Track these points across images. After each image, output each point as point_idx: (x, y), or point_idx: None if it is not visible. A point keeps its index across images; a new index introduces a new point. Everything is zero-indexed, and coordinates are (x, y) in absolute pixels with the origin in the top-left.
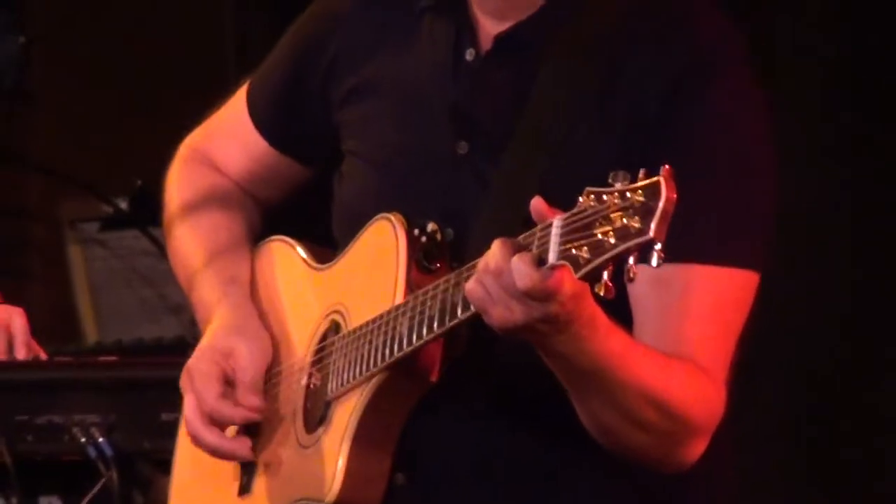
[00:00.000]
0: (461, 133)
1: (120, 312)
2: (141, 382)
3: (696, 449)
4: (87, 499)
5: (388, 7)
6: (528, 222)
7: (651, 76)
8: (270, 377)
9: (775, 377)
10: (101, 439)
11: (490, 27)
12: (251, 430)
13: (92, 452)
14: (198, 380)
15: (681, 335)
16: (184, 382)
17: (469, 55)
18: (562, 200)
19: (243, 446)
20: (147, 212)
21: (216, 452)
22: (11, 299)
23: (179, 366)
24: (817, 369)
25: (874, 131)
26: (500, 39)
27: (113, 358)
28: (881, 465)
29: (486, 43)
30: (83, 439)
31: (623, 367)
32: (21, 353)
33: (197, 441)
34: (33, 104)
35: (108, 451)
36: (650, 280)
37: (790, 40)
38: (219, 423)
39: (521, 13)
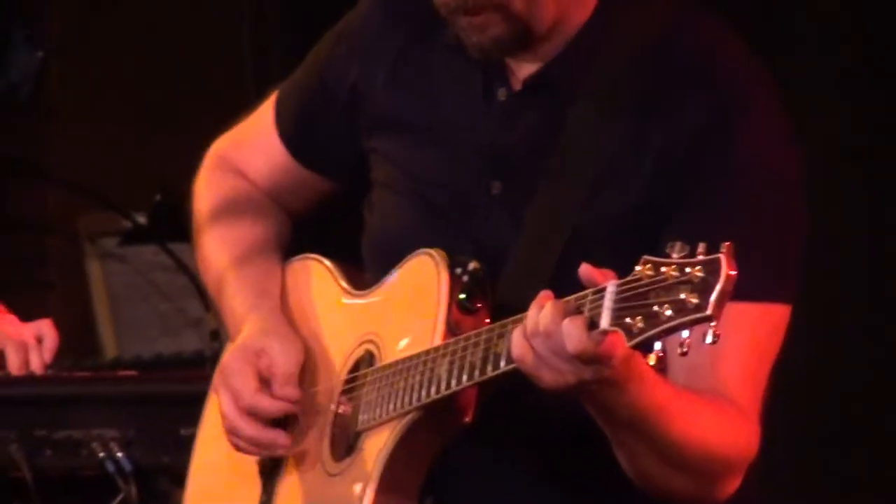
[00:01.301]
0: (495, 172)
1: (139, 327)
2: (160, 397)
3: (732, 485)
4: None
5: (408, 34)
6: (559, 263)
7: (678, 118)
8: (301, 393)
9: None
10: (119, 454)
11: (518, 68)
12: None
13: (110, 467)
14: (233, 377)
15: (717, 373)
16: (217, 381)
17: (501, 95)
18: (594, 242)
19: (281, 436)
20: (166, 227)
21: (256, 443)
22: (31, 313)
23: (198, 380)
24: (834, 392)
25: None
26: (529, 80)
27: (132, 372)
28: None
29: (516, 82)
30: (102, 454)
31: (667, 416)
32: (47, 359)
33: (236, 435)
34: (53, 118)
35: (127, 466)
36: (694, 345)
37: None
38: (256, 417)
39: (547, 55)
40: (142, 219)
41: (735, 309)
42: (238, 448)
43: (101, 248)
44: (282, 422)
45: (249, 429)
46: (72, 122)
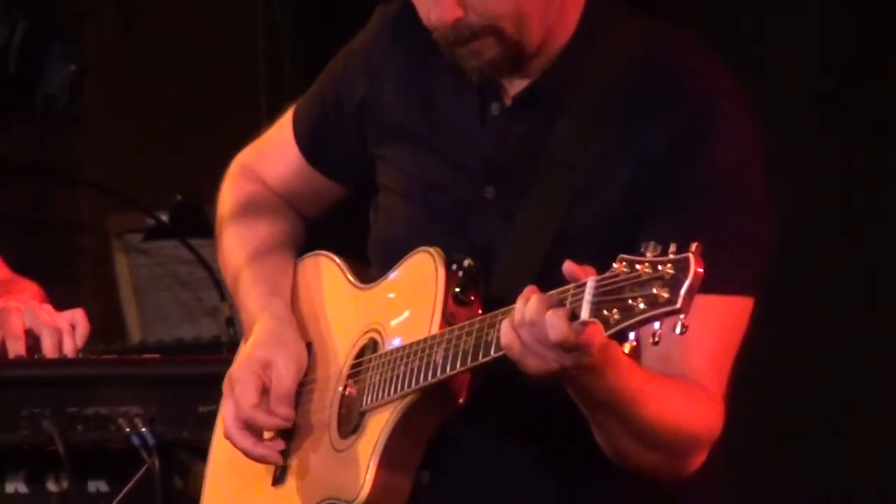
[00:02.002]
0: (489, 179)
1: (161, 314)
2: (180, 378)
3: (699, 460)
4: (130, 484)
5: (413, 50)
6: (545, 260)
7: (655, 130)
8: (309, 382)
9: (754, 379)
10: (143, 429)
11: (509, 85)
12: (288, 429)
13: (135, 441)
14: (237, 388)
15: (686, 358)
16: (226, 388)
17: (495, 110)
18: (576, 241)
19: (273, 452)
20: (186, 224)
21: (249, 455)
22: (65, 302)
23: (215, 363)
24: (797, 371)
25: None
26: (518, 97)
27: (155, 356)
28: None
29: (507, 98)
30: (128, 429)
31: (640, 399)
32: (80, 344)
33: (233, 443)
34: (84, 127)
35: (151, 440)
36: (665, 334)
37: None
38: (253, 429)
39: (535, 73)
40: (164, 217)
41: (703, 301)
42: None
43: (128, 243)
44: (294, 404)
45: (244, 441)
46: (102, 131)
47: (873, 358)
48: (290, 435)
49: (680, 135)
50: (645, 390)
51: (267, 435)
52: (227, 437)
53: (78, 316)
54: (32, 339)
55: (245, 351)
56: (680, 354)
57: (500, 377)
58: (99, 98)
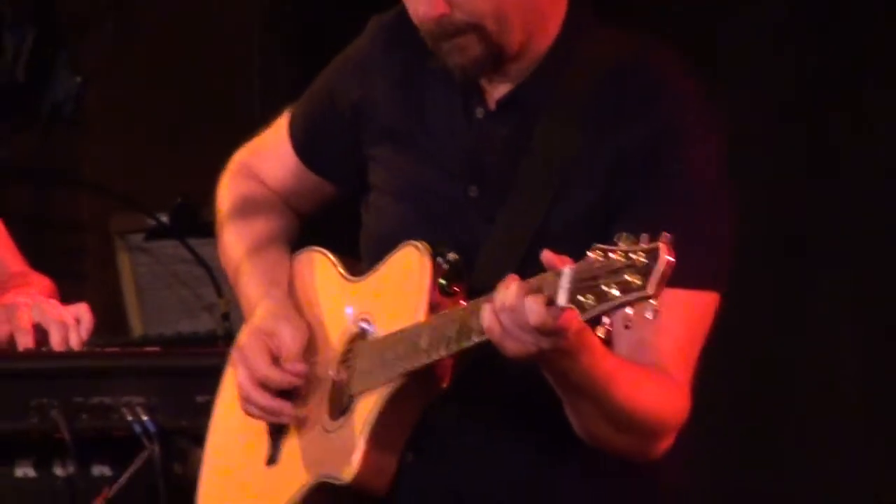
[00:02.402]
0: (473, 179)
1: (161, 310)
2: (179, 369)
3: (666, 443)
4: (132, 468)
5: (404, 60)
6: (525, 255)
7: (630, 135)
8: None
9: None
10: (145, 418)
11: (492, 90)
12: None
13: (137, 429)
14: (248, 353)
15: (656, 348)
16: (235, 356)
17: (479, 113)
18: (555, 239)
19: (287, 406)
20: (185, 225)
21: (266, 411)
22: (71, 298)
23: (212, 355)
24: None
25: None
26: (501, 101)
27: (156, 348)
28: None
29: (490, 102)
30: (130, 418)
31: (613, 383)
32: (84, 337)
33: (248, 402)
34: (88, 132)
35: (151, 428)
36: (637, 319)
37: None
38: (268, 388)
39: (517, 78)
40: (164, 218)
41: (673, 294)
42: (250, 414)
43: (130, 243)
44: (287, 393)
45: (261, 398)
46: (105, 137)
47: (807, 353)
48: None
49: (653, 139)
50: (617, 375)
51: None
52: (244, 398)
53: (83, 310)
54: (40, 333)
55: (250, 325)
56: (651, 339)
57: (482, 364)
58: (102, 105)
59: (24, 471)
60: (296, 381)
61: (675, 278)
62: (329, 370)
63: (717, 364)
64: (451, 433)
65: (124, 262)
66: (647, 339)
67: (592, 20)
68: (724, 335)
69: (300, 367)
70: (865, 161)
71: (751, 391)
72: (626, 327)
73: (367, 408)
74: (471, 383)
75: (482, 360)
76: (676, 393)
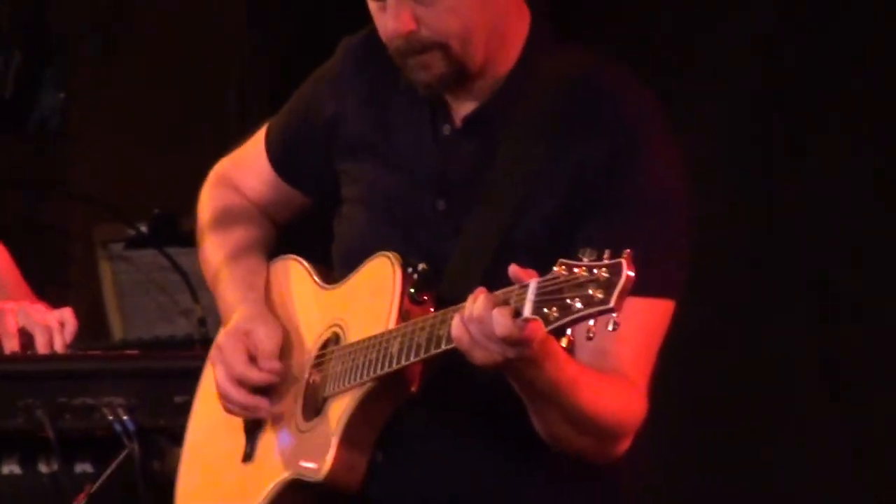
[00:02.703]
0: (440, 193)
1: (141, 315)
2: (157, 371)
3: (625, 445)
4: (113, 465)
5: (373, 78)
6: (490, 265)
7: (589, 149)
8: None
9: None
10: (125, 417)
11: (458, 108)
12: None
13: (118, 428)
14: (226, 352)
15: (615, 354)
16: (213, 355)
17: (446, 130)
18: (519, 250)
19: (263, 402)
20: (163, 235)
21: (243, 407)
22: (55, 303)
23: (189, 358)
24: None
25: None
26: (467, 119)
27: (135, 352)
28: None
29: (456, 120)
30: (111, 417)
31: (575, 388)
32: (68, 340)
33: (226, 399)
34: (73, 146)
35: (131, 427)
36: (598, 331)
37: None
38: (245, 385)
39: (481, 97)
40: (144, 228)
41: (631, 302)
42: (228, 411)
43: (111, 251)
44: (264, 391)
45: (238, 395)
46: (89, 150)
47: (760, 354)
48: (261, 418)
49: (612, 154)
50: (578, 381)
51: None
52: (222, 394)
53: (67, 315)
54: (26, 337)
55: (228, 326)
56: (610, 346)
57: (450, 371)
58: (86, 119)
59: (10, 468)
60: (272, 379)
61: (634, 286)
62: (303, 373)
63: (678, 369)
64: (420, 437)
65: (106, 269)
66: (607, 345)
67: (553, 39)
68: (688, 340)
69: (275, 364)
70: (828, 168)
71: (711, 395)
72: (589, 339)
73: (339, 409)
74: (439, 389)
75: (450, 367)
76: (635, 396)
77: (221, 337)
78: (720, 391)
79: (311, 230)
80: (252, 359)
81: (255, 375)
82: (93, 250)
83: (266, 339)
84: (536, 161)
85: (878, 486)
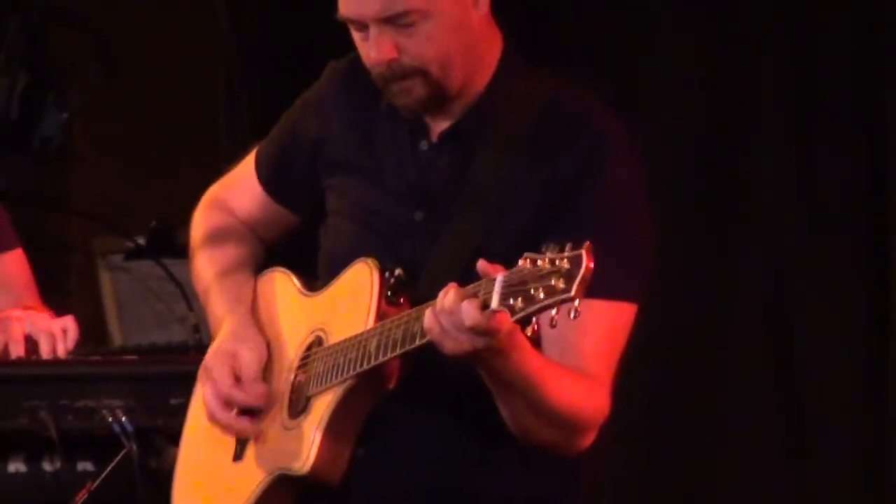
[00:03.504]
0: (418, 204)
1: (138, 322)
2: (154, 375)
3: (589, 439)
4: (113, 464)
5: (357, 100)
6: (464, 271)
7: (559, 162)
8: (265, 373)
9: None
10: (123, 419)
11: (434, 125)
12: (249, 410)
13: (117, 429)
14: (214, 372)
15: (580, 351)
16: (201, 375)
17: (423, 146)
18: (492, 257)
19: (248, 425)
20: (160, 246)
21: (228, 428)
22: (57, 311)
23: (184, 363)
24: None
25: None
26: (443, 135)
27: (133, 357)
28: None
29: (433, 136)
30: (110, 419)
31: (541, 380)
32: (70, 346)
33: (213, 419)
34: (74, 164)
35: (129, 428)
36: (562, 308)
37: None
38: (231, 406)
39: (457, 114)
40: (141, 240)
41: (596, 304)
42: (216, 426)
43: (110, 262)
44: (250, 410)
45: (225, 416)
46: (89, 167)
47: (730, 356)
48: (251, 417)
49: (578, 168)
50: (544, 374)
51: (234, 413)
52: (210, 413)
53: (69, 322)
54: (31, 343)
55: (214, 345)
56: (576, 346)
57: (426, 368)
58: (86, 139)
59: (16, 466)
60: (256, 401)
61: (598, 290)
62: (289, 376)
63: (638, 370)
64: (399, 434)
65: (105, 279)
66: (573, 345)
67: (523, 62)
68: (647, 342)
69: (260, 389)
70: (777, 186)
71: (669, 395)
72: (552, 326)
73: (322, 406)
74: (417, 387)
75: (426, 365)
76: (598, 392)
77: (209, 357)
78: (675, 390)
79: (296, 245)
80: (238, 379)
81: (241, 397)
82: (93, 261)
83: (250, 361)
84: (508, 174)
85: (817, 484)
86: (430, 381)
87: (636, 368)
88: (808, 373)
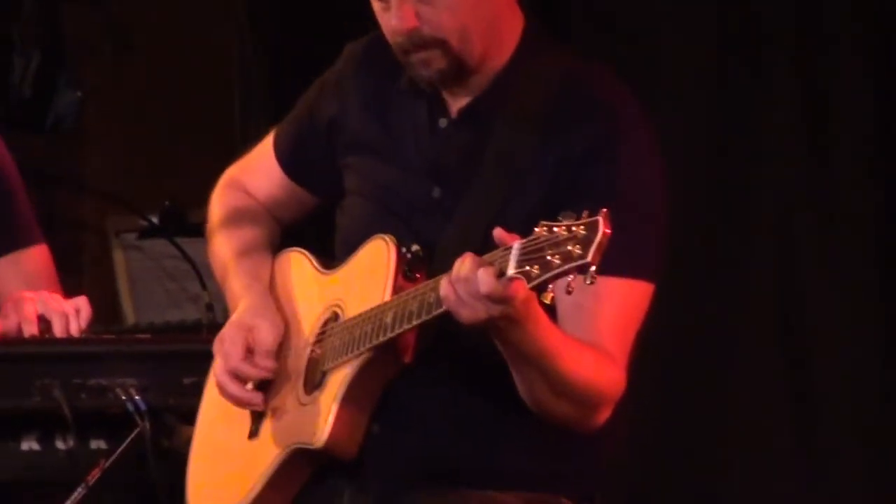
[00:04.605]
0: (436, 181)
1: (152, 301)
2: (167, 354)
3: (604, 415)
4: (126, 442)
5: (374, 79)
6: (479, 247)
7: (574, 140)
8: (282, 350)
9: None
10: (137, 397)
11: (454, 102)
12: (265, 387)
13: (130, 407)
14: (227, 345)
15: (596, 328)
16: (216, 347)
17: (442, 123)
18: (507, 231)
19: (257, 398)
20: (173, 225)
21: (237, 401)
22: (71, 291)
23: (197, 341)
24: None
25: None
26: (462, 111)
27: (146, 335)
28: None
29: (453, 113)
30: (123, 397)
31: (557, 354)
32: (83, 325)
33: (223, 391)
34: (88, 142)
35: (143, 407)
36: (578, 284)
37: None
38: (241, 379)
39: (476, 91)
40: (155, 219)
41: (611, 281)
42: (226, 399)
43: (124, 241)
44: (262, 384)
45: (233, 388)
46: (103, 146)
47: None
48: (266, 393)
49: (595, 143)
50: (560, 346)
51: (249, 386)
52: (219, 386)
53: (82, 302)
54: (44, 323)
55: (232, 319)
56: (592, 322)
57: (441, 346)
58: (100, 118)
59: (30, 444)
60: (265, 375)
61: (613, 267)
62: (305, 352)
63: (650, 361)
64: (412, 407)
65: (119, 258)
66: (589, 322)
67: (545, 39)
68: (658, 333)
69: (270, 362)
70: (788, 184)
71: (680, 388)
72: (569, 292)
73: (338, 380)
74: (431, 364)
75: (443, 342)
76: (613, 368)
77: (225, 329)
78: (686, 382)
79: (312, 227)
80: (250, 353)
81: (249, 371)
82: (106, 240)
83: (266, 335)
84: (525, 150)
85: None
86: (445, 357)
87: (648, 359)
88: (820, 366)
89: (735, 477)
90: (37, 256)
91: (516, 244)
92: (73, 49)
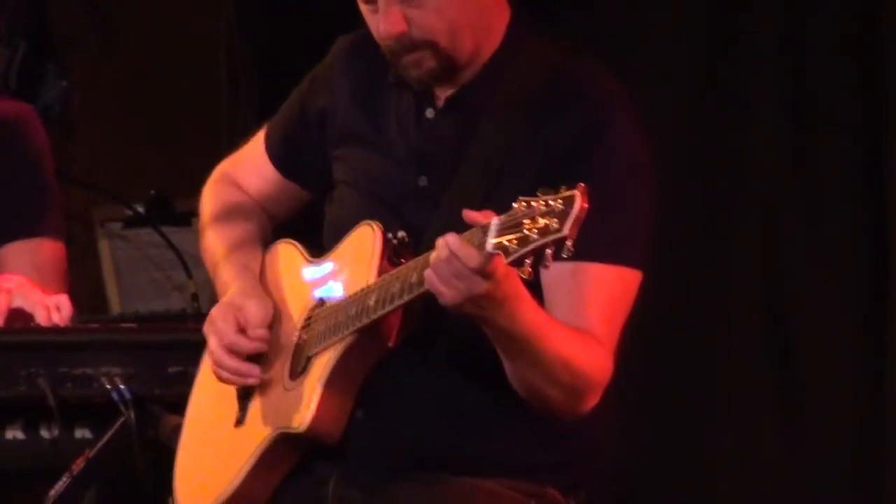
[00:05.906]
0: (423, 170)
1: (137, 290)
2: (153, 343)
3: (592, 401)
4: (111, 431)
5: (363, 72)
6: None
7: (560, 128)
8: (271, 336)
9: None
10: (122, 386)
11: (440, 92)
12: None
13: (115, 396)
14: (219, 323)
15: (584, 314)
16: (207, 328)
17: (429, 113)
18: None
19: (255, 369)
20: (158, 214)
21: (236, 372)
22: None
23: (182, 331)
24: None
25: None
26: (449, 100)
27: (132, 325)
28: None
29: (439, 103)
30: (108, 386)
31: (544, 337)
32: (64, 323)
33: (220, 368)
34: (74, 133)
35: (128, 396)
36: (565, 271)
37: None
38: (236, 353)
39: (462, 80)
40: (140, 208)
41: (597, 268)
42: (221, 378)
43: (109, 230)
44: (255, 360)
45: (230, 362)
46: (89, 136)
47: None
48: (251, 386)
49: (581, 131)
50: (546, 328)
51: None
52: (215, 363)
53: (63, 300)
54: (22, 319)
55: (221, 301)
56: (579, 307)
57: (426, 331)
58: (86, 108)
59: (14, 433)
60: (261, 347)
61: (600, 254)
62: (292, 339)
63: (636, 350)
64: (396, 392)
65: (104, 247)
66: (575, 308)
67: (532, 30)
68: (644, 324)
69: (263, 332)
70: (775, 174)
71: (666, 379)
72: (545, 267)
73: (321, 364)
74: (415, 348)
75: (427, 326)
76: (600, 353)
77: (214, 310)
78: (672, 375)
79: (302, 219)
80: (242, 330)
81: (244, 343)
82: (92, 229)
83: (256, 312)
84: (511, 139)
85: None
86: (431, 343)
87: (634, 349)
88: (807, 360)
89: (722, 467)
90: (56, 252)
91: (494, 220)
92: (59, 39)
